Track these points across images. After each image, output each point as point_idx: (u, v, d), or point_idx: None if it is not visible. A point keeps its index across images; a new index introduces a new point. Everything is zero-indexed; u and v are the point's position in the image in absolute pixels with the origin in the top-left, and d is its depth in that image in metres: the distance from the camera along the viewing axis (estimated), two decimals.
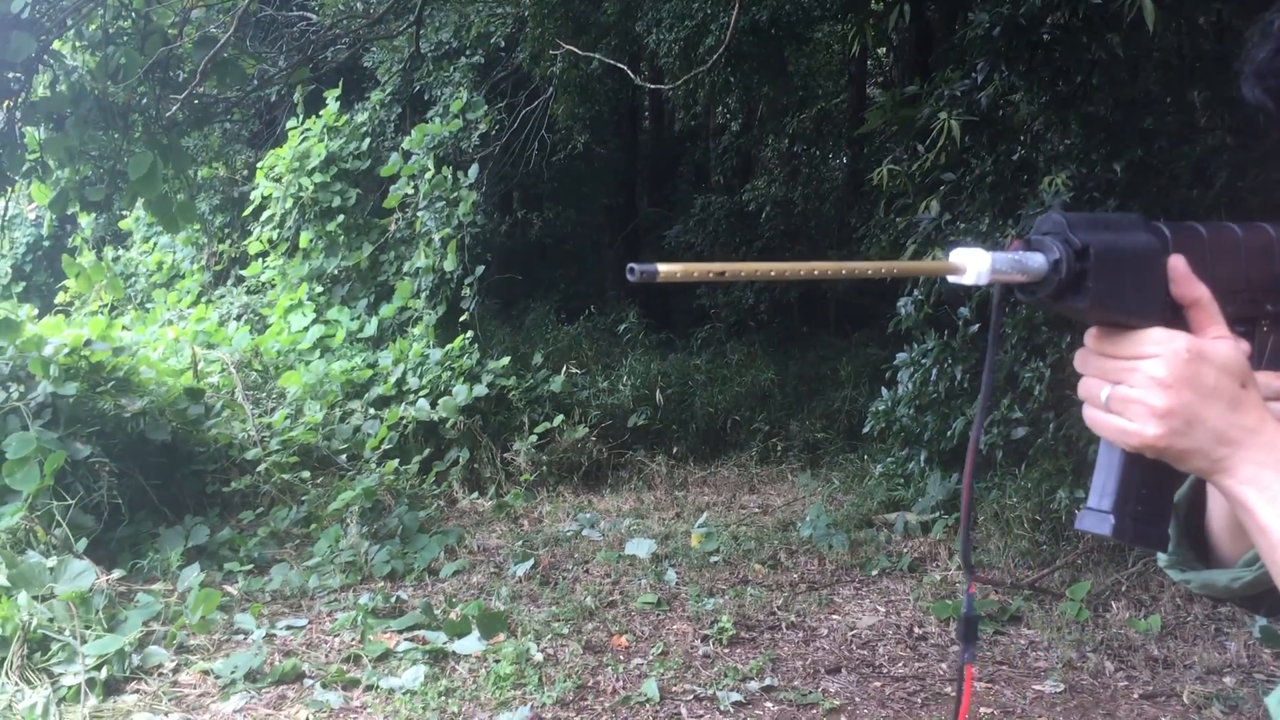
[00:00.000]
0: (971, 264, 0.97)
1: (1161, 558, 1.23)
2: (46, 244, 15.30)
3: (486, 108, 11.21)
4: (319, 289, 11.35)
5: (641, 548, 7.11)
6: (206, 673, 5.12)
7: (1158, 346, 0.98)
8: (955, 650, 5.50)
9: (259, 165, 12.08)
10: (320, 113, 11.75)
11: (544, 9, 11.23)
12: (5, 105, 6.88)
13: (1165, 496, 1.07)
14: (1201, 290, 1.01)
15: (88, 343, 7.55)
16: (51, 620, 5.17)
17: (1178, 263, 1.01)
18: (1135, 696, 4.94)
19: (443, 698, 4.85)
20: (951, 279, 0.99)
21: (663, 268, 0.89)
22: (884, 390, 8.16)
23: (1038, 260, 0.98)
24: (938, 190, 7.08)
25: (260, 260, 12.15)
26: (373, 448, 8.73)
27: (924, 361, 7.66)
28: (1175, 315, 1.01)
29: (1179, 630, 5.64)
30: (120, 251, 14.30)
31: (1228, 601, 1.23)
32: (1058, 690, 5.01)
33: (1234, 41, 6.65)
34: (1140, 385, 0.98)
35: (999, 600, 6.09)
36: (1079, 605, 5.87)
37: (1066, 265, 0.97)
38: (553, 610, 6.00)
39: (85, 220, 13.93)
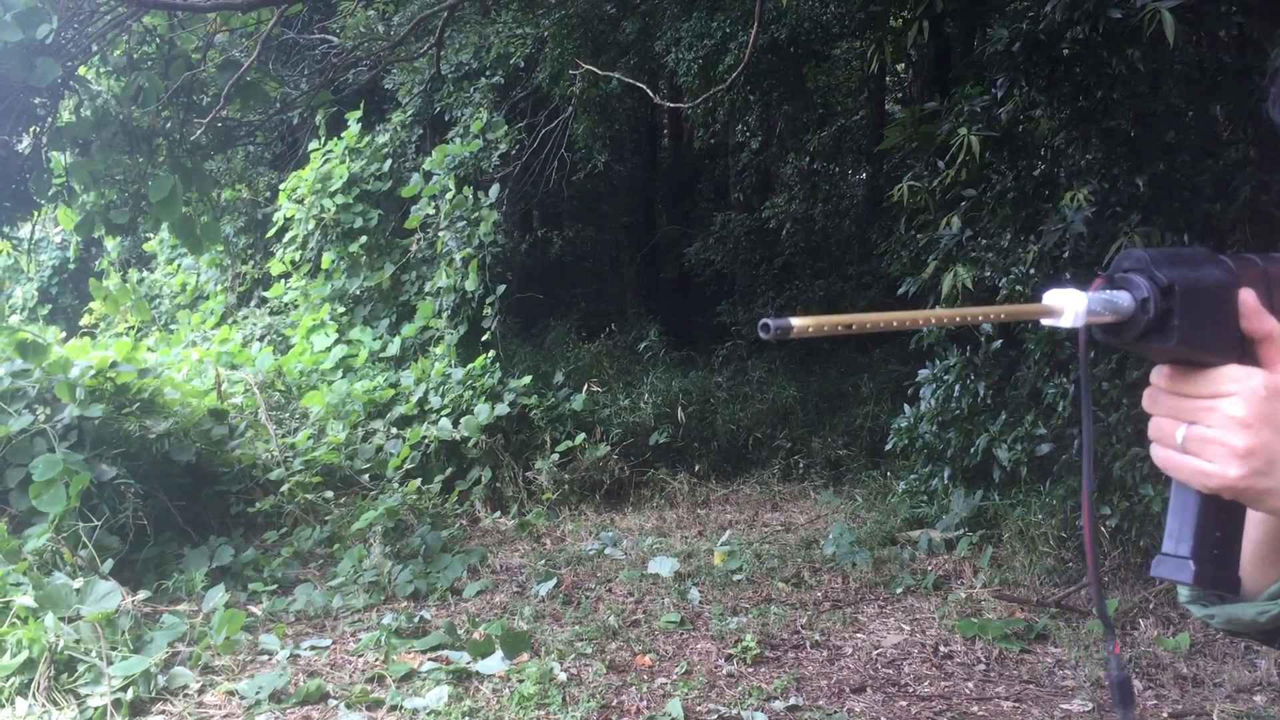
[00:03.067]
0: (1068, 305, 0.95)
1: (1183, 593, 1.20)
2: (72, 267, 15.46)
3: (506, 128, 11.28)
4: (341, 309, 11.42)
5: (664, 566, 7.10)
6: (231, 693, 5.13)
7: (1235, 384, 0.95)
8: (981, 670, 5.47)
9: (281, 187, 12.19)
10: (342, 134, 11.85)
11: (563, 29, 11.29)
12: (31, 130, 6.97)
13: (1237, 537, 1.04)
14: (1273, 324, 0.98)
15: (113, 365, 7.61)
16: (78, 641, 5.20)
17: (1248, 297, 0.98)
18: (1165, 715, 4.89)
19: (467, 718, 4.85)
20: (1047, 322, 0.96)
21: (796, 323, 0.86)
22: (906, 407, 8.13)
23: (1126, 299, 0.96)
24: (958, 206, 7.06)
25: (283, 281, 12.23)
26: (395, 467, 8.76)
27: (946, 378, 7.63)
28: (1244, 350, 0.98)
29: (1208, 648, 5.58)
30: (145, 274, 14.43)
31: (1248, 636, 1.21)
32: (1086, 709, 4.96)
33: (1255, 54, 6.63)
34: (1219, 425, 0.95)
35: (1025, 619, 6.05)
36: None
37: (1154, 304, 0.95)
38: (576, 630, 5.99)
39: (111, 243, 14.05)
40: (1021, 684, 5.28)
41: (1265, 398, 0.95)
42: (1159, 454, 1.00)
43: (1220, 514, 1.01)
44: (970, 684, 5.30)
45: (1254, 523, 1.09)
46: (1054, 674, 5.39)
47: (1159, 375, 1.00)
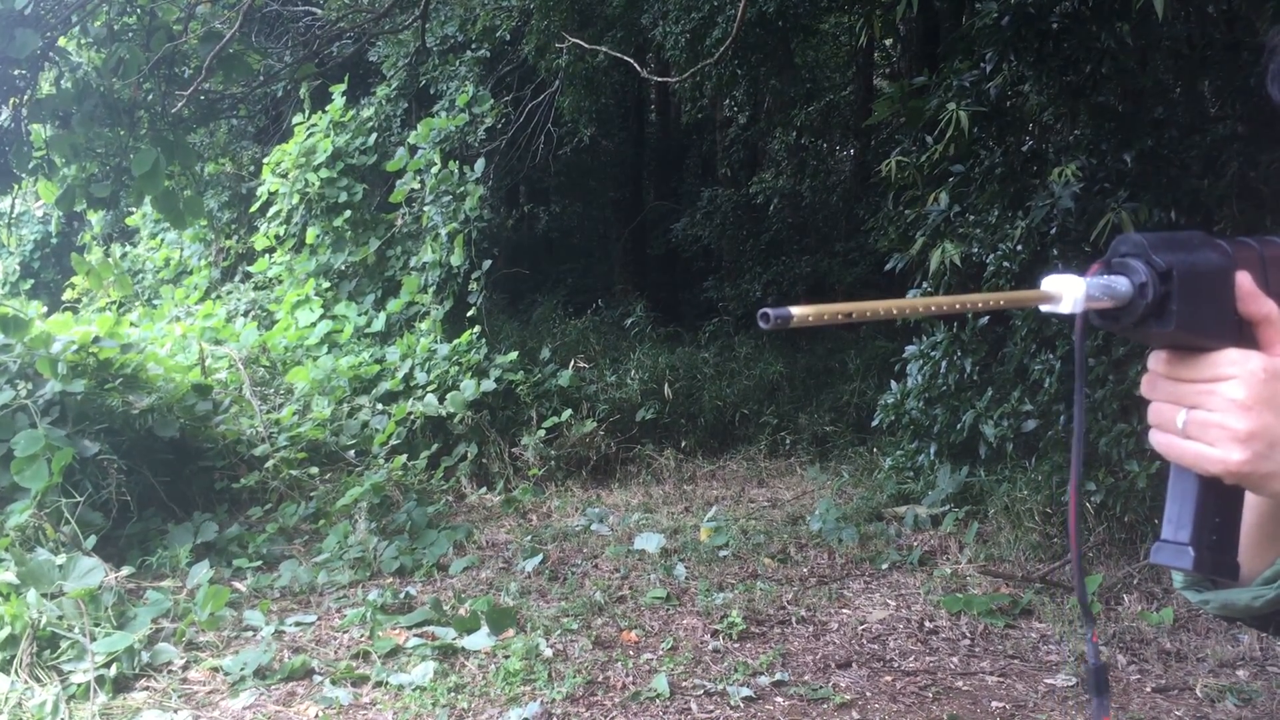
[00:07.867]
0: (1067, 291, 0.93)
1: (1178, 580, 1.20)
2: (55, 241, 15.35)
3: (492, 101, 11.19)
4: (326, 284, 11.35)
5: (650, 542, 7.10)
6: (216, 669, 5.12)
7: (1234, 368, 0.95)
8: (966, 645, 5.49)
9: (265, 161, 12.09)
10: (326, 108, 11.74)
11: (549, 2, 11.20)
12: (11, 102, 6.88)
13: (1236, 522, 1.03)
14: (1270, 306, 0.98)
15: (96, 340, 7.55)
16: (61, 618, 5.17)
17: (1244, 279, 0.98)
18: (1148, 690, 4.92)
19: (452, 694, 4.84)
20: (1045, 308, 0.95)
21: (796, 312, 0.84)
22: (893, 383, 8.14)
23: (1124, 284, 0.95)
24: (946, 182, 7.04)
25: (267, 256, 12.15)
26: (381, 443, 8.73)
27: (933, 354, 7.63)
28: (1242, 333, 0.98)
29: (1191, 623, 5.60)
30: (128, 248, 14.32)
31: (1243, 621, 1.20)
32: (1070, 684, 4.98)
33: (1244, 30, 6.61)
34: (1219, 409, 0.95)
35: (1010, 594, 6.07)
36: (1091, 598, 5.84)
37: (1152, 288, 0.94)
38: (562, 605, 5.98)
39: (93, 217, 13.95)
40: (1006, 659, 5.30)
41: (1264, 380, 0.94)
42: (1159, 439, 0.99)
43: (1220, 499, 1.00)
44: (955, 659, 5.31)
45: (1248, 507, 1.08)
46: (1038, 649, 5.41)
47: (1157, 360, 0.99)
